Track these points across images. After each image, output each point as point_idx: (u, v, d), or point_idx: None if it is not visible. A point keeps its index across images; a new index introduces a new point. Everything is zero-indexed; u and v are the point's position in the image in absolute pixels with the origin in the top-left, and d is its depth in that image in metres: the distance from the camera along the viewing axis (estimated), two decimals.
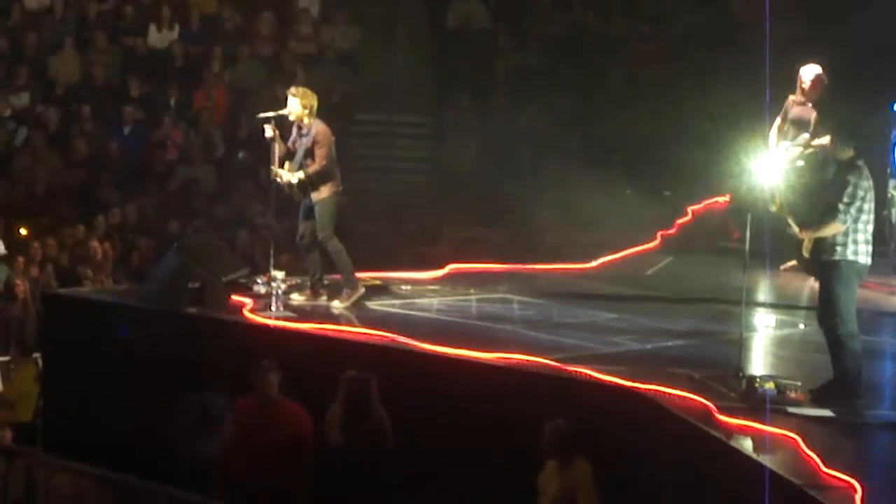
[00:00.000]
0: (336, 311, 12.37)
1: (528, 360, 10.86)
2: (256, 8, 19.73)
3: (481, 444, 10.58)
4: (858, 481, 8.55)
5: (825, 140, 11.65)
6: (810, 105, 13.42)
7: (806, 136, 13.33)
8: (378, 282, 13.25)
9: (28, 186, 17.73)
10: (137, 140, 18.55)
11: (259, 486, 10.67)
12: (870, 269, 10.25)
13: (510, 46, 19.46)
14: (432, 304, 12.93)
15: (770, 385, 10.01)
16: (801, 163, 13.22)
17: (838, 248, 10.05)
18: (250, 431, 10.73)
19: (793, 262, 13.53)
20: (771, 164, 10.90)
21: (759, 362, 11.24)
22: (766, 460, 8.93)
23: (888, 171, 13.89)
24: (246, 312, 12.13)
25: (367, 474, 10.33)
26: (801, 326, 12.30)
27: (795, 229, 10.30)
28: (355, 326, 11.89)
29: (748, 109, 13.54)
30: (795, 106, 13.55)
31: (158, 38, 19.37)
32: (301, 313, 12.19)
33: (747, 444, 9.34)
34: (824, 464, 8.84)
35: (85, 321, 12.73)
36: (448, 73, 19.42)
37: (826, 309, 10.15)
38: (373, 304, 12.68)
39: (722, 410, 9.75)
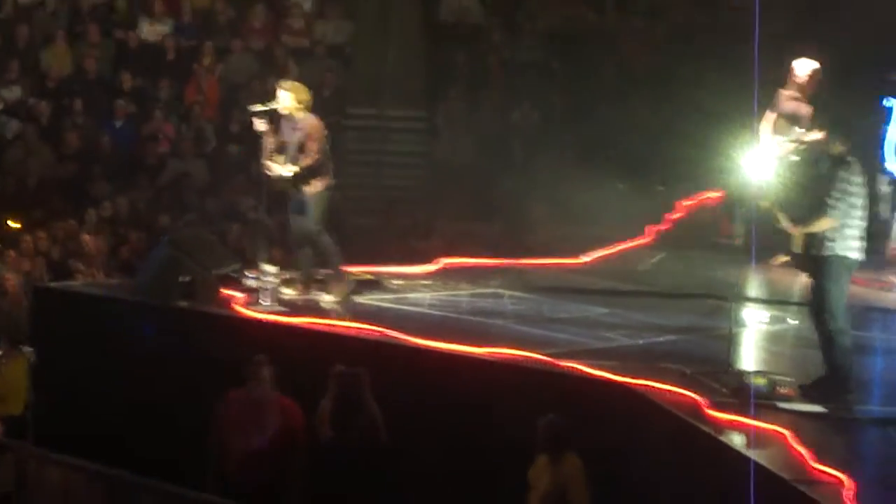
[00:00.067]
0: (327, 306, 12.37)
1: (519, 355, 10.85)
2: (249, 1, 19.69)
3: (473, 438, 10.57)
4: (848, 476, 8.56)
5: (819, 135, 11.65)
6: (804, 100, 13.40)
7: (801, 130, 13.32)
8: (370, 276, 13.25)
9: (19, 179, 17.68)
10: (129, 133, 18.50)
11: (252, 479, 10.65)
12: (860, 265, 10.26)
13: (503, 41, 19.44)
14: (424, 298, 12.92)
15: (761, 380, 10.03)
16: (794, 158, 13.21)
17: (829, 244, 10.05)
18: (243, 425, 10.72)
19: (784, 258, 13.52)
20: (761, 159, 10.90)
21: (750, 358, 11.25)
22: (756, 455, 8.92)
23: (878, 166, 13.89)
24: (236, 306, 12.12)
25: (360, 469, 10.32)
26: (789, 321, 12.30)
27: (787, 224, 10.30)
28: (347, 321, 11.88)
29: (739, 105, 13.53)
30: (789, 101, 13.53)
31: (150, 31, 19.33)
32: (292, 307, 12.18)
33: (738, 440, 9.34)
34: (814, 459, 8.85)
35: (76, 315, 12.73)
36: (441, 67, 19.37)
37: (817, 304, 10.16)
38: (365, 299, 12.67)
39: (713, 406, 9.76)
